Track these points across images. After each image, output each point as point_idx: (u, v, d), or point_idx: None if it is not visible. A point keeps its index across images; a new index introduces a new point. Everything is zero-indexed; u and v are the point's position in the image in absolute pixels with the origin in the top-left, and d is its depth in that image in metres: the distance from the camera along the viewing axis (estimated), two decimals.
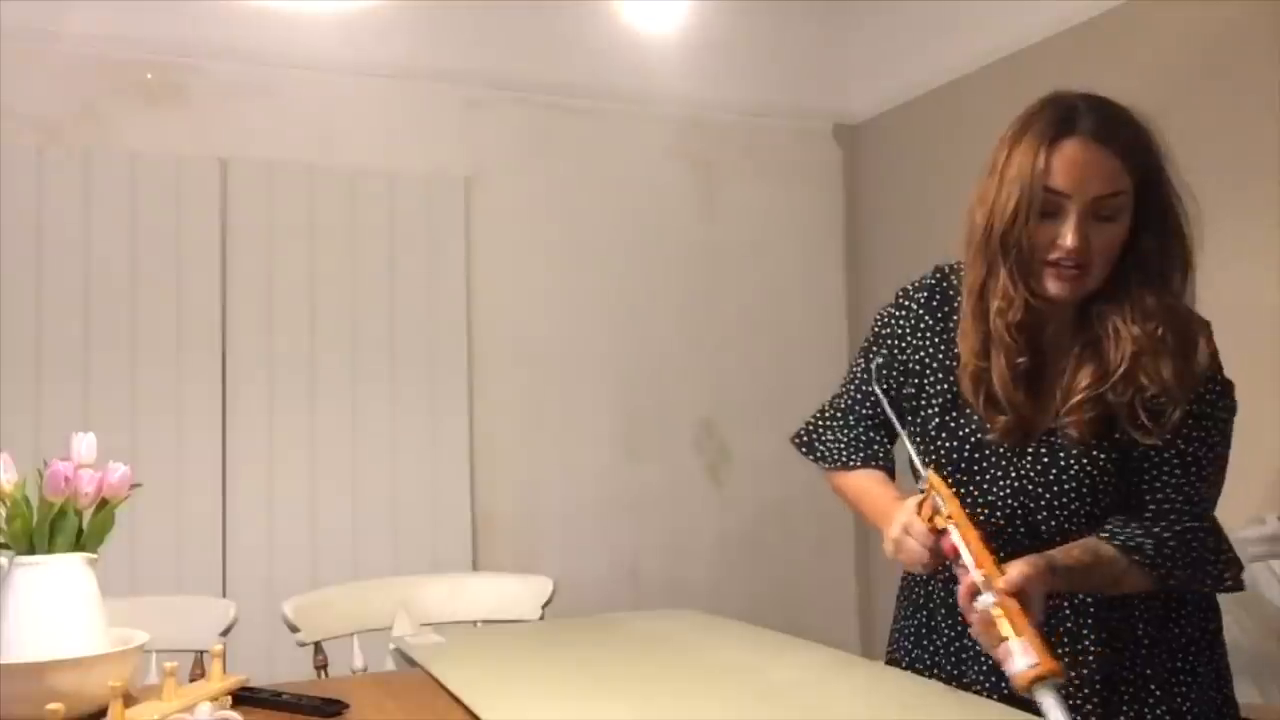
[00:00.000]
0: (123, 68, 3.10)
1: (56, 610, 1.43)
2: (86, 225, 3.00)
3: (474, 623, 2.29)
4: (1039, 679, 1.12)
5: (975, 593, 1.20)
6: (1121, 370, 1.35)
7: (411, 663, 1.77)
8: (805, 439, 1.67)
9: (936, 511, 1.29)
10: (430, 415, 3.32)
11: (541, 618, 2.27)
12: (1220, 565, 1.40)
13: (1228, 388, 1.43)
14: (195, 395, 3.06)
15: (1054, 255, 1.35)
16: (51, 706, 1.16)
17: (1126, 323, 1.35)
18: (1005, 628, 1.16)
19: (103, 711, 1.25)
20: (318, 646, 2.09)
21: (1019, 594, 1.19)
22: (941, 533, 1.27)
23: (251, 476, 3.11)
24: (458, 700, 1.49)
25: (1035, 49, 3.14)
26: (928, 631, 1.56)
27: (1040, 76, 3.12)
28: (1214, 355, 1.41)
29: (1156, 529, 1.37)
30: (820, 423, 1.66)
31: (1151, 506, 1.39)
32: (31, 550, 1.44)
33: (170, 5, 3.11)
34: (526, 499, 3.46)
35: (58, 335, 2.95)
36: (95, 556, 1.49)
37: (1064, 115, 1.36)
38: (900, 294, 1.58)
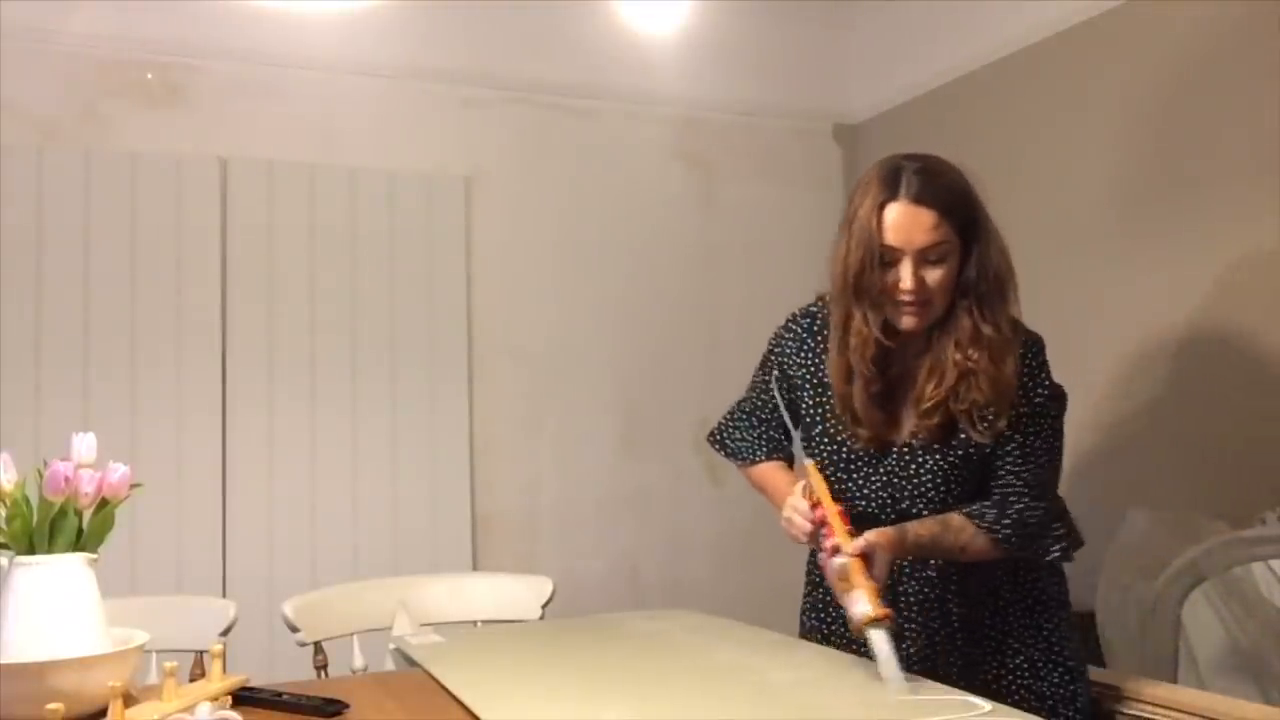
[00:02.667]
0: (123, 68, 3.10)
1: (56, 610, 1.43)
2: (86, 225, 3.00)
3: (474, 623, 2.29)
4: (872, 621, 1.45)
5: (836, 551, 1.53)
6: (949, 387, 1.65)
7: (411, 663, 1.77)
8: (718, 438, 1.98)
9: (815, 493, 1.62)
10: (430, 415, 3.32)
11: (541, 618, 2.28)
12: (1053, 538, 1.70)
13: (1055, 391, 1.71)
14: (195, 395, 3.06)
15: (899, 296, 1.64)
16: (51, 706, 1.16)
17: (952, 348, 1.65)
18: (854, 580, 1.48)
19: (103, 711, 1.26)
20: (318, 646, 2.09)
21: (866, 556, 1.52)
22: (816, 506, 1.60)
23: (251, 476, 3.11)
24: (458, 700, 1.49)
25: (1035, 49, 3.14)
26: (824, 606, 1.88)
27: (1040, 76, 3.14)
28: (1039, 367, 1.70)
29: (1002, 505, 1.68)
30: (730, 424, 1.97)
31: (998, 491, 1.69)
32: (31, 550, 1.44)
33: (170, 5, 3.11)
34: (526, 499, 3.46)
35: (58, 335, 2.95)
36: (95, 556, 1.49)
37: (891, 181, 1.63)
38: (789, 318, 1.89)
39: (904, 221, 1.61)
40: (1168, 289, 2.73)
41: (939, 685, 1.51)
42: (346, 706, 1.48)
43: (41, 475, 1.45)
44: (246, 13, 3.19)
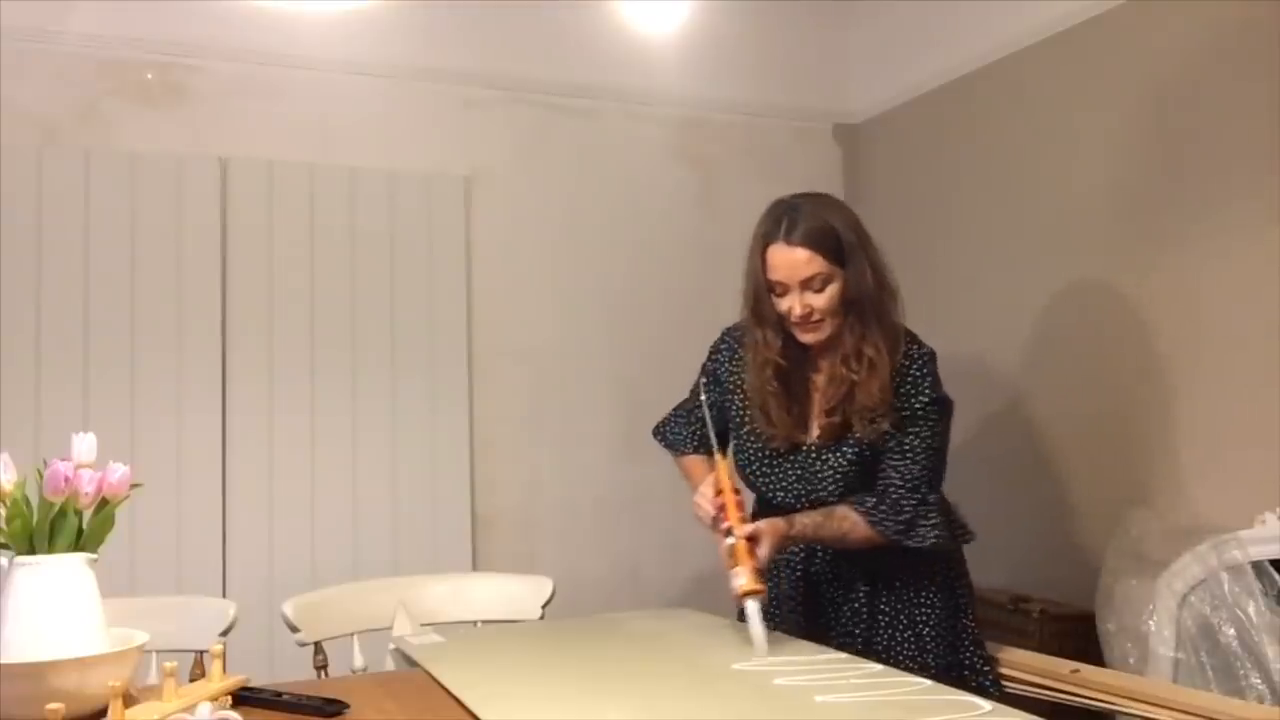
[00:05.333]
0: (123, 68, 3.10)
1: (56, 610, 1.43)
2: (86, 225, 3.00)
3: (474, 623, 2.29)
4: (747, 594, 1.71)
5: (729, 533, 1.78)
6: (842, 395, 1.92)
7: (411, 663, 1.77)
8: (660, 430, 2.26)
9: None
10: (430, 415, 3.32)
11: (541, 618, 2.28)
12: (925, 528, 1.92)
13: (937, 401, 1.94)
14: (195, 395, 3.06)
15: (792, 319, 1.92)
16: (51, 706, 1.16)
17: (838, 363, 1.93)
18: (739, 559, 1.74)
19: (103, 711, 1.26)
20: (318, 646, 2.09)
21: (753, 539, 1.78)
22: (720, 494, 1.83)
23: (251, 476, 3.11)
24: (458, 700, 1.49)
25: (1035, 49, 3.14)
26: (776, 598, 2.10)
27: (1040, 76, 3.15)
28: (923, 377, 1.93)
29: (881, 496, 1.92)
30: (671, 419, 2.24)
31: (880, 484, 1.94)
32: (31, 550, 1.45)
33: (170, 5, 3.11)
34: (526, 499, 3.46)
35: (58, 335, 2.95)
36: (95, 556, 1.49)
37: (773, 223, 1.93)
38: (724, 331, 2.16)
39: (782, 260, 1.90)
40: (1167, 288, 2.73)
41: (818, 646, 1.82)
42: (346, 706, 1.48)
43: (41, 475, 1.45)
44: (246, 13, 3.19)
